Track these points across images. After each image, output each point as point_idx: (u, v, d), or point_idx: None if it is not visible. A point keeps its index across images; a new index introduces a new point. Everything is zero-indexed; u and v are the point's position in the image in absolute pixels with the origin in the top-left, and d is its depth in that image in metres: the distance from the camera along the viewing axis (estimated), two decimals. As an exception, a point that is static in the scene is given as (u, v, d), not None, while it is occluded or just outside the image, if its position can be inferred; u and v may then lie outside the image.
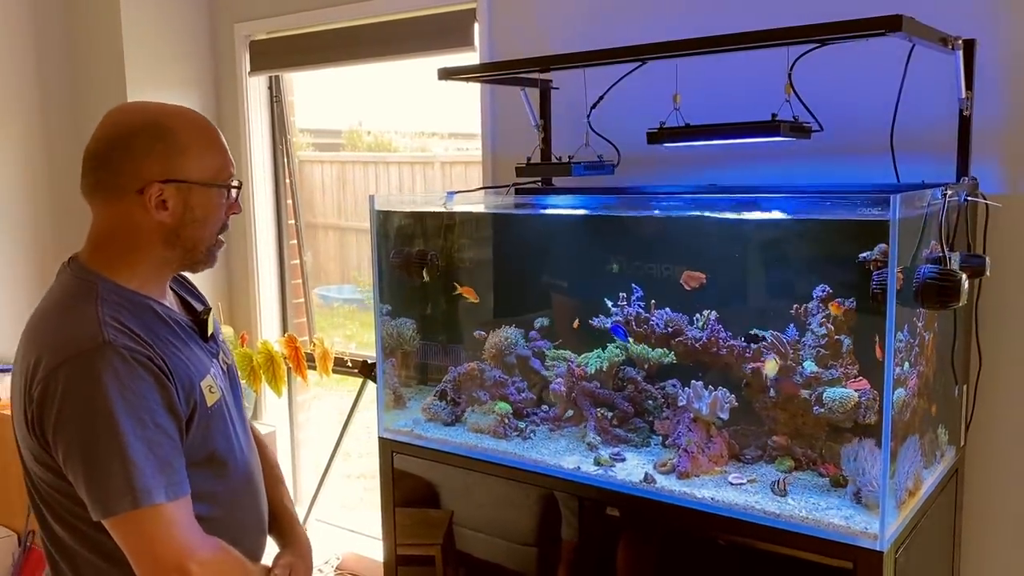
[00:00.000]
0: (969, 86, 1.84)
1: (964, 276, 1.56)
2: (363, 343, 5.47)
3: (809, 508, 1.66)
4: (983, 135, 1.93)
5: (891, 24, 1.54)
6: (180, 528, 1.27)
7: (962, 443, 2.00)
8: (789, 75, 1.81)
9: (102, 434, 1.24)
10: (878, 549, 1.55)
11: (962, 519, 2.05)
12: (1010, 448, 2.02)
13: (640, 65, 1.99)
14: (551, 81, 2.40)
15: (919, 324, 1.69)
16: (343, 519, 3.59)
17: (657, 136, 1.91)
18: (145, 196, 1.32)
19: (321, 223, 5.86)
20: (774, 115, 1.80)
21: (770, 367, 1.83)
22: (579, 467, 1.91)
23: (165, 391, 1.30)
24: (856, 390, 1.74)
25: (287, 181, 3.50)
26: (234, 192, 1.42)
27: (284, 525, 1.61)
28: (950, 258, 1.61)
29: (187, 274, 1.54)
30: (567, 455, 1.97)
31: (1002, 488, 2.04)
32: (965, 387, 1.98)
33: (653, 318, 2.01)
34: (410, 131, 6.92)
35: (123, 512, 1.24)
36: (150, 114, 1.36)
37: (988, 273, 1.75)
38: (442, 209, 2.27)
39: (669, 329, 1.99)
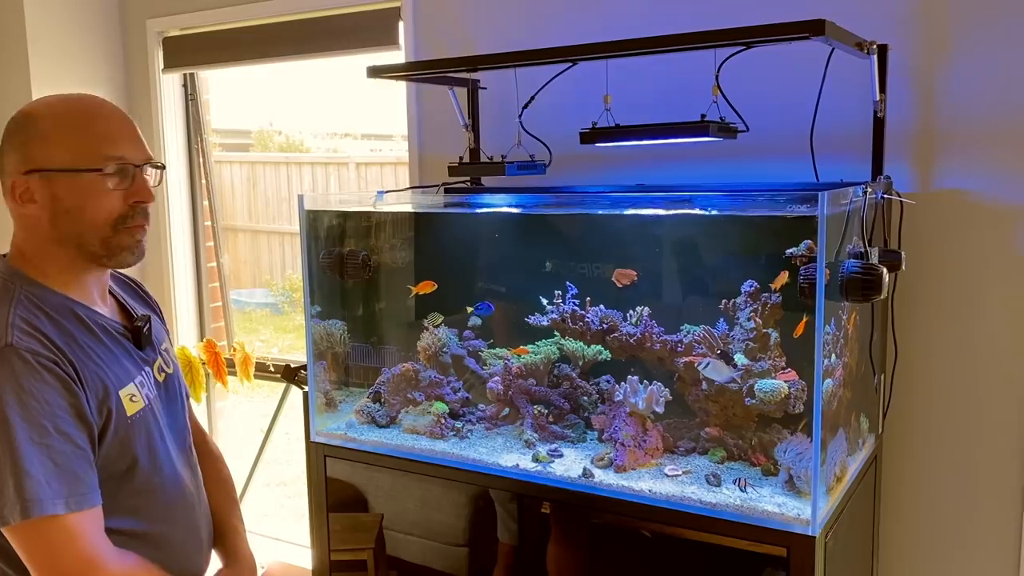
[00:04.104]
0: (883, 89, 1.93)
1: (885, 270, 1.64)
2: (283, 348, 5.37)
3: (743, 497, 1.71)
4: (895, 136, 2.02)
5: (814, 28, 1.60)
6: (84, 541, 1.22)
7: (880, 431, 2.09)
8: (716, 77, 1.86)
9: None
10: (810, 534, 1.61)
11: (880, 502, 2.14)
12: (923, 435, 2.13)
13: (571, 66, 2.02)
14: (479, 81, 2.41)
15: (844, 317, 1.76)
16: (265, 527, 3.52)
17: (590, 136, 1.93)
18: (12, 192, 1.29)
19: (230, 225, 5.71)
20: (703, 116, 1.84)
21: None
22: (518, 464, 1.92)
23: (73, 397, 1.24)
24: (785, 381, 1.80)
25: (203, 182, 3.41)
26: (118, 178, 1.30)
27: (228, 542, 1.58)
28: (871, 253, 1.68)
29: (136, 279, 1.51)
30: (505, 453, 1.98)
31: (916, 473, 2.15)
32: (882, 377, 2.07)
33: (589, 315, 2.04)
34: (323, 132, 6.83)
35: (14, 522, 1.19)
36: (28, 105, 1.32)
37: (904, 267, 1.84)
38: (374, 209, 2.25)
39: (605, 325, 2.02)
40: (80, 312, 1.33)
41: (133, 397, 1.35)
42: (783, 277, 1.80)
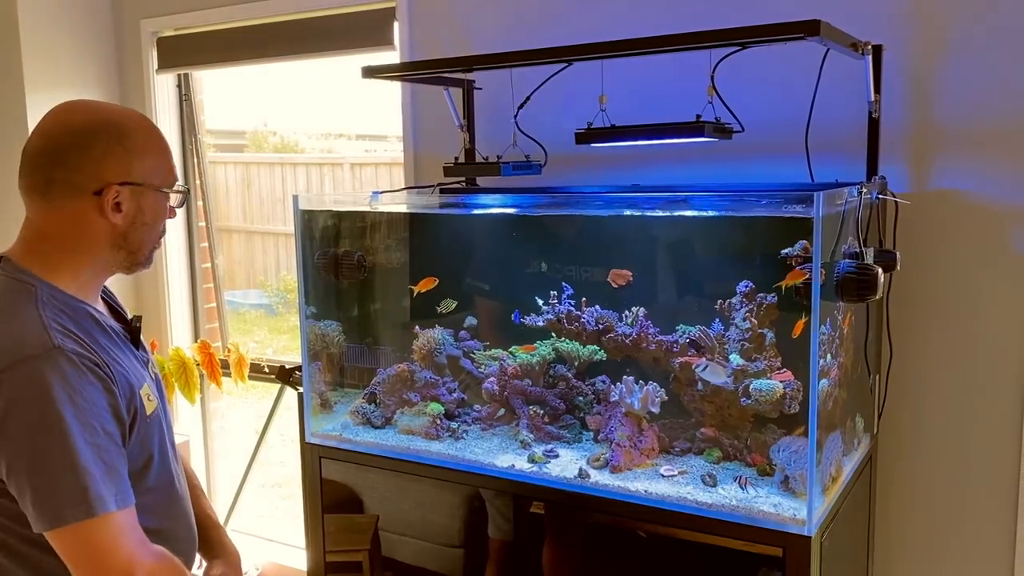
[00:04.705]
0: (877, 89, 1.93)
1: (880, 270, 1.64)
2: (277, 350, 5.36)
3: (739, 497, 1.71)
4: (890, 136, 2.03)
5: (809, 29, 1.60)
6: (127, 537, 1.25)
7: (875, 431, 2.09)
8: (712, 77, 1.86)
9: (54, 441, 1.20)
10: (806, 534, 1.61)
11: (875, 502, 2.15)
12: (918, 435, 2.13)
13: (566, 66, 2.02)
14: (474, 81, 2.41)
15: (839, 317, 1.76)
16: (260, 529, 3.51)
17: (585, 137, 1.94)
18: (104, 198, 1.30)
19: (224, 226, 5.71)
20: (698, 116, 1.84)
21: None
22: (514, 465, 1.91)
23: (112, 397, 1.27)
24: (781, 381, 1.80)
25: (197, 182, 3.40)
26: (174, 197, 1.41)
27: (212, 536, 1.59)
28: (866, 253, 1.69)
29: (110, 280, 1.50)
30: (501, 454, 1.97)
31: (910, 472, 2.15)
32: (877, 377, 2.07)
33: (584, 315, 2.04)
34: (317, 132, 6.82)
35: (76, 521, 1.20)
36: (107, 114, 1.34)
37: (899, 267, 1.84)
38: (369, 209, 2.25)
39: (600, 326, 2.02)
40: (94, 314, 1.35)
41: (149, 396, 1.38)
42: (797, 275, 1.78)
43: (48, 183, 1.30)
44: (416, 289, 2.22)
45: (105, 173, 1.30)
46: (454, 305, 2.21)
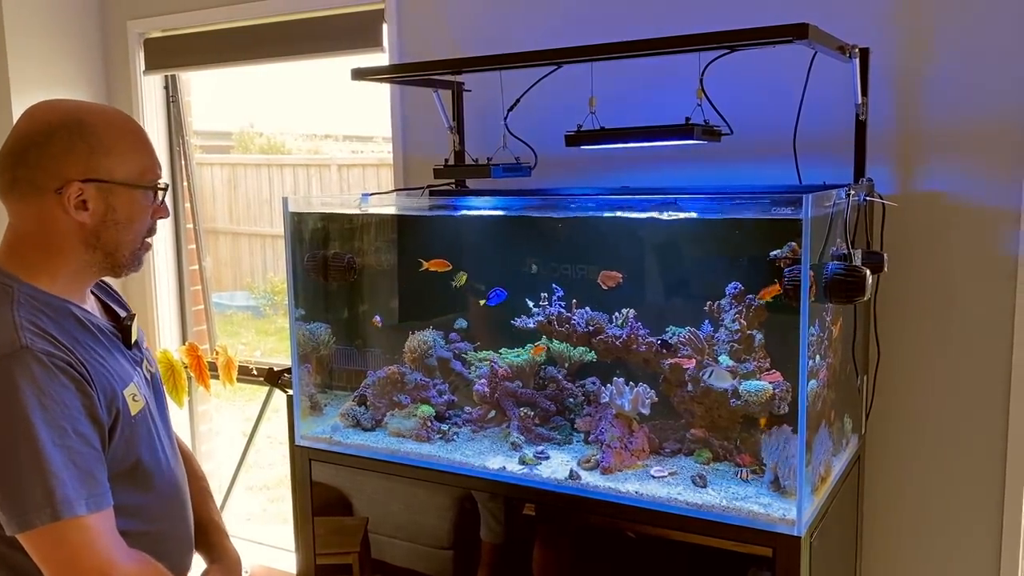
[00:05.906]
0: (864, 92, 1.94)
1: (868, 272, 1.65)
2: (265, 351, 5.34)
3: (729, 498, 1.72)
4: (877, 138, 2.04)
5: (798, 32, 1.61)
6: (102, 541, 1.23)
7: (863, 431, 2.11)
8: (700, 80, 1.87)
9: (19, 443, 1.18)
10: (795, 534, 1.62)
11: (864, 501, 2.16)
12: (905, 435, 2.15)
13: (555, 69, 2.02)
14: (464, 83, 2.41)
15: (828, 318, 1.77)
16: (249, 531, 3.50)
17: (575, 139, 1.94)
18: (64, 196, 1.27)
19: (211, 228, 5.68)
20: (687, 119, 1.85)
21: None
22: (504, 467, 1.92)
23: (87, 398, 1.25)
24: (770, 382, 1.81)
25: (184, 184, 3.38)
26: (160, 194, 1.38)
27: (213, 540, 1.58)
28: (854, 255, 1.70)
29: (110, 280, 1.49)
30: (491, 456, 1.97)
31: (898, 472, 2.17)
32: (865, 378, 2.09)
33: (575, 317, 2.05)
34: (304, 133, 6.80)
35: (41, 525, 1.19)
36: (72, 111, 1.31)
37: (886, 269, 1.85)
38: (359, 211, 2.24)
39: (591, 328, 2.03)
40: (77, 313, 1.33)
41: (135, 396, 1.36)
42: (773, 290, 1.81)
43: (13, 182, 1.29)
44: (426, 265, 2.20)
45: (65, 170, 1.27)
46: (465, 277, 2.20)
